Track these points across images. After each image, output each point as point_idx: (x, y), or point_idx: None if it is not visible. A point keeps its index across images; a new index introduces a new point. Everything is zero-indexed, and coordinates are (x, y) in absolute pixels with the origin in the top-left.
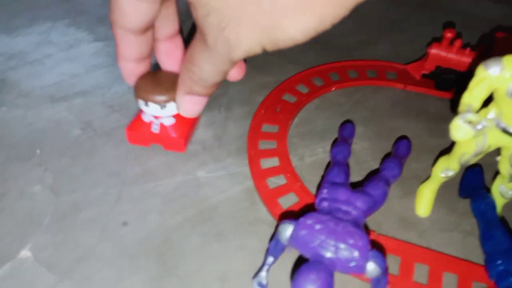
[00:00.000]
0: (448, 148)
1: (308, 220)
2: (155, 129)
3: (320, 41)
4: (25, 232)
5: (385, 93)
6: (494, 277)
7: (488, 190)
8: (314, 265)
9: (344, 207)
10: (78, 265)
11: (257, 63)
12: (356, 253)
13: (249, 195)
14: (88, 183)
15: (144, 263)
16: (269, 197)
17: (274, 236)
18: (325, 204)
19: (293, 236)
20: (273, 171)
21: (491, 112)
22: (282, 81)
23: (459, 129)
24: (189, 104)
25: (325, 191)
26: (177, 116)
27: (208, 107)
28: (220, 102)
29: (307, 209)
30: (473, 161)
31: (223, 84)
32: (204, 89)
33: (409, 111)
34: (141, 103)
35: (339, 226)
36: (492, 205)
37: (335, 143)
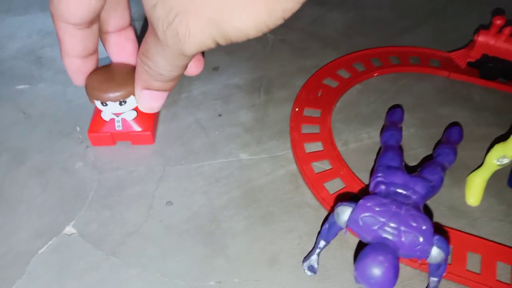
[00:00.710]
0: (501, 137)
1: (368, 203)
2: (118, 126)
3: (359, 27)
4: (69, 207)
5: (429, 81)
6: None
7: None
8: (381, 247)
9: (403, 191)
10: (124, 242)
11: (295, 46)
12: (420, 238)
13: (293, 179)
14: (131, 161)
15: (191, 242)
16: (314, 182)
17: (328, 219)
18: (382, 187)
19: (351, 219)
20: (317, 156)
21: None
22: (323, 66)
23: None
24: (148, 100)
25: (380, 174)
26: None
27: (247, 89)
28: (259, 85)
29: (356, 195)
30: None
31: (262, 67)
32: (162, 84)
33: (454, 99)
34: (98, 104)
35: (402, 209)
36: None
37: (384, 128)
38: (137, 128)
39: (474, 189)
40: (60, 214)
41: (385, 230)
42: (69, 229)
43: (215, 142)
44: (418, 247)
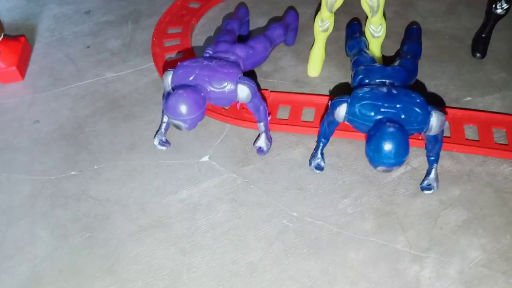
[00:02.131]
0: (318, 9)
1: (184, 63)
2: None
3: None
4: None
5: None
6: (355, 86)
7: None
8: (189, 88)
9: (223, 55)
10: None
11: None
12: (225, 78)
13: (155, 84)
14: (3, 96)
15: (56, 147)
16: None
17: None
18: (206, 55)
19: (173, 79)
20: (176, 61)
21: None
22: None
23: None
24: None
25: (209, 49)
26: (1, 46)
27: (116, 23)
28: (128, 18)
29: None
30: (338, 3)
31: (132, 4)
32: None
33: (304, 1)
34: None
35: (212, 62)
36: (364, 41)
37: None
38: (1, 65)
39: (313, 61)
40: None
41: (196, 78)
42: None
43: (82, 68)
44: (225, 88)
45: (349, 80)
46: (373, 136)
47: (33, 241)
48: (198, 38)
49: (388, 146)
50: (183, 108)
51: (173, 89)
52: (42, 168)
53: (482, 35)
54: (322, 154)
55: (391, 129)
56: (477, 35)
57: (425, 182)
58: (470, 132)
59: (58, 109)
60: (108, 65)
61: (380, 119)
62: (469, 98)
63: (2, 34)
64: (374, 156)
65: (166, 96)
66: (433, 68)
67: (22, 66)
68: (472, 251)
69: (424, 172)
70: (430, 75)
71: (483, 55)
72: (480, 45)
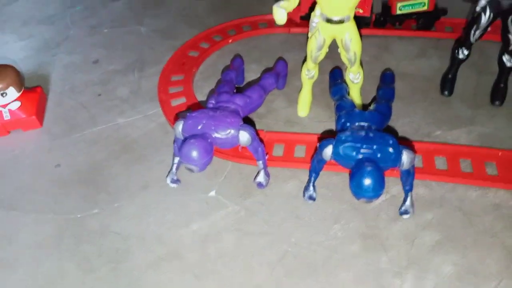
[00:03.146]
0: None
1: (193, 114)
2: (7, 116)
3: (222, 8)
4: None
5: (275, 38)
6: (338, 129)
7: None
8: (199, 136)
9: (224, 104)
10: (19, 199)
11: (166, 32)
12: (229, 126)
13: (163, 128)
14: (23, 142)
15: (76, 189)
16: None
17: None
18: (209, 105)
19: (183, 128)
20: (181, 107)
21: (317, 10)
22: (187, 41)
23: (277, 12)
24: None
25: (212, 100)
26: (22, 98)
27: (123, 72)
28: (134, 67)
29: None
30: (321, 56)
31: (136, 53)
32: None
33: (292, 47)
34: None
35: (216, 112)
36: (345, 88)
37: (224, 70)
38: (22, 115)
39: (302, 103)
40: None
41: (204, 127)
42: None
43: (95, 115)
44: (229, 134)
45: (333, 118)
46: (355, 174)
47: (62, 276)
48: (199, 84)
49: (367, 182)
50: (195, 155)
51: (184, 137)
52: (63, 207)
53: (449, 76)
54: (314, 186)
55: (369, 168)
56: (444, 76)
57: (403, 208)
58: (440, 162)
59: (75, 154)
60: (119, 111)
61: (360, 158)
62: (439, 132)
63: (23, 87)
64: (356, 191)
65: (180, 145)
66: (406, 107)
67: (40, 115)
68: (445, 266)
69: (402, 199)
70: (404, 114)
71: (450, 93)
72: (447, 84)
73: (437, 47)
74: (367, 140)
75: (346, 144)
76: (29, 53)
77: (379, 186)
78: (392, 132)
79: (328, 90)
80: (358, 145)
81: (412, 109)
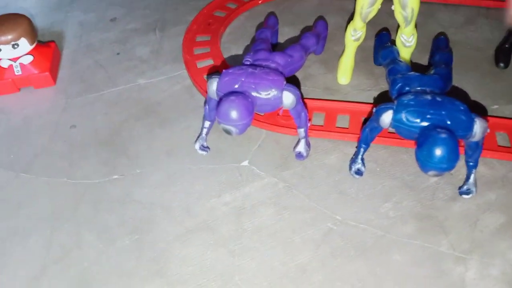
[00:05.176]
0: (350, 18)
1: (230, 70)
2: (18, 71)
3: None
4: None
5: (307, 1)
6: (394, 94)
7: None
8: (239, 94)
9: (263, 62)
10: (32, 162)
11: None
12: (272, 86)
13: (188, 91)
14: (35, 100)
15: (94, 152)
16: (204, 84)
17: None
18: (246, 62)
19: (218, 87)
20: (208, 69)
21: None
22: (211, 1)
23: None
24: None
25: (248, 57)
26: (34, 52)
27: (143, 31)
28: (155, 27)
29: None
30: (373, 13)
31: (156, 13)
32: None
33: (327, 11)
34: None
35: (256, 69)
36: (396, 50)
37: (260, 27)
38: (34, 70)
39: (343, 69)
40: None
41: (242, 86)
42: None
43: (114, 75)
44: (271, 94)
45: (379, 87)
46: (424, 142)
47: (79, 245)
48: (226, 47)
49: (440, 152)
50: (235, 114)
51: (219, 97)
52: (82, 172)
53: (505, 45)
54: (362, 159)
55: (443, 135)
56: (499, 46)
57: (465, 187)
58: (500, 138)
59: (92, 115)
60: (139, 72)
61: (426, 125)
62: (496, 106)
63: (36, 40)
64: (426, 162)
65: (218, 102)
66: (457, 77)
67: (54, 71)
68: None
69: (461, 177)
70: (455, 84)
71: (506, 65)
72: (503, 55)
73: (488, 16)
74: (434, 104)
75: (410, 109)
76: (41, 10)
77: (454, 156)
78: None
79: (370, 57)
80: (425, 110)
81: (464, 79)
